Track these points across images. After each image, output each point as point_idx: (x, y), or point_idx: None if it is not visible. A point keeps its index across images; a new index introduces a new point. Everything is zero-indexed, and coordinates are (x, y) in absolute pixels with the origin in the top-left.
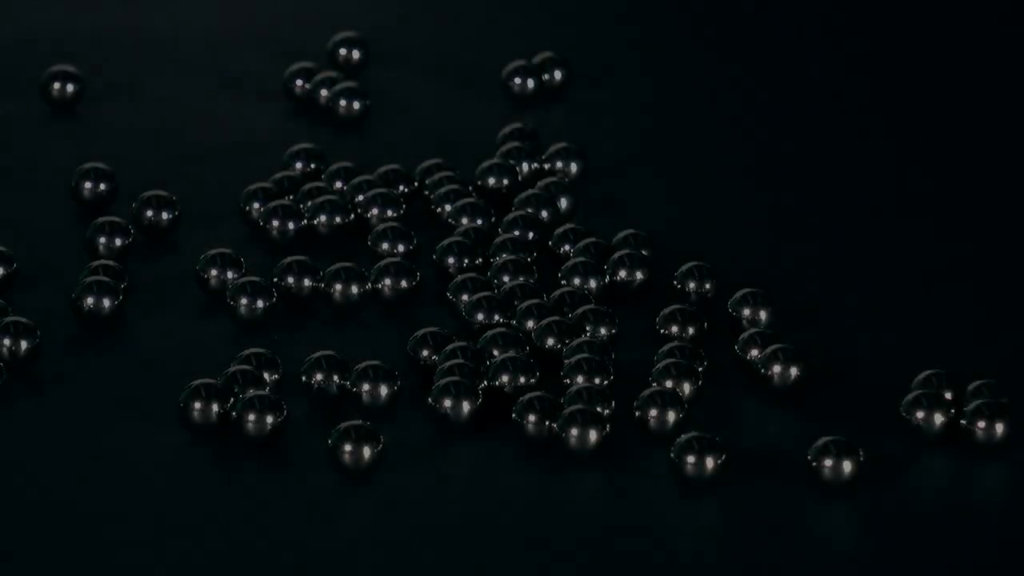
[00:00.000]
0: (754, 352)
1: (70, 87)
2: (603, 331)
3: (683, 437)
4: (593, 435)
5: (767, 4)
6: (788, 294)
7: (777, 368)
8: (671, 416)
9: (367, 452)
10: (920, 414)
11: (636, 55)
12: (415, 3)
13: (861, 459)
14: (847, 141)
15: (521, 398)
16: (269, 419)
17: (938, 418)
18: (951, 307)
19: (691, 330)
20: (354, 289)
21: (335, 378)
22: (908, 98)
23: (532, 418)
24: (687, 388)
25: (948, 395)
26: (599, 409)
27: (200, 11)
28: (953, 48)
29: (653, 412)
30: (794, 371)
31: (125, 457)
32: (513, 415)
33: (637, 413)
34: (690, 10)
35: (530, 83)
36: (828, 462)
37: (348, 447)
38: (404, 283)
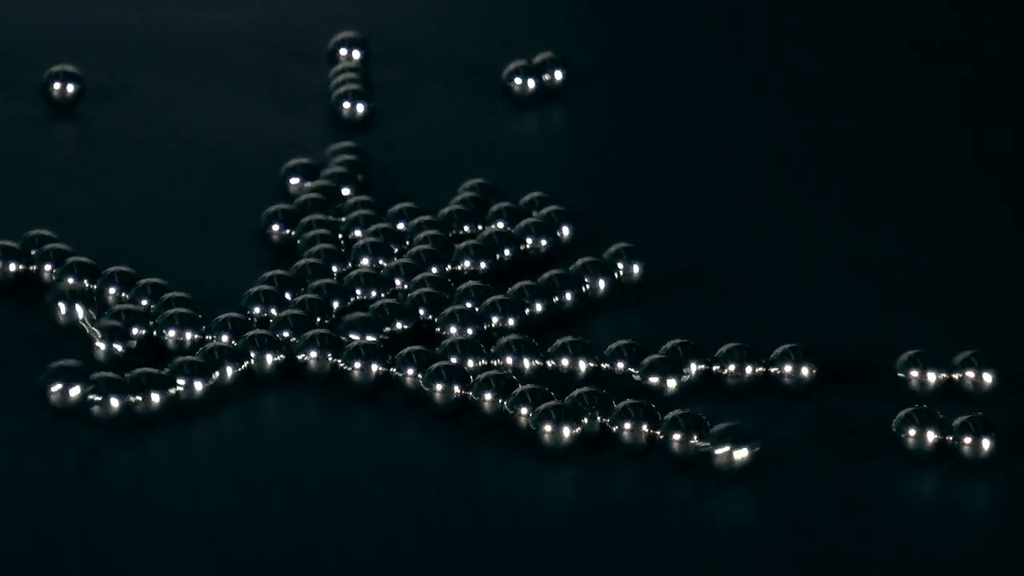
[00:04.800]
0: (732, 367)
1: (70, 87)
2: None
3: (718, 427)
4: (567, 432)
5: (767, 3)
6: (786, 294)
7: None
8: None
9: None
10: (912, 431)
11: (636, 55)
12: (415, 3)
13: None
14: (849, 140)
15: (514, 391)
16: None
17: (930, 435)
18: (953, 310)
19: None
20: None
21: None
22: (913, 100)
23: (523, 410)
24: (671, 384)
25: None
26: (579, 406)
27: (200, 11)
28: (959, 50)
29: (677, 436)
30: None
31: None
32: (505, 406)
33: (660, 436)
34: (690, 10)
35: (530, 83)
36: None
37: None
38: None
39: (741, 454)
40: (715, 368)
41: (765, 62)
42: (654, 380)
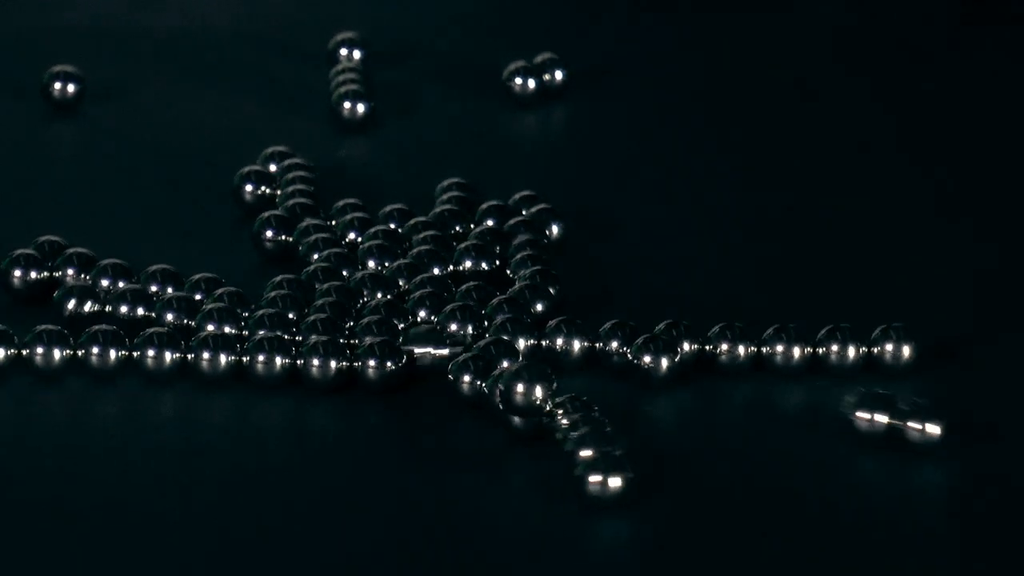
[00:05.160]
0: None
1: (70, 87)
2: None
3: (588, 454)
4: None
5: (766, 3)
6: (785, 293)
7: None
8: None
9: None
10: (865, 415)
11: (636, 55)
12: (415, 3)
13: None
14: (849, 145)
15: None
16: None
17: (881, 418)
18: (948, 324)
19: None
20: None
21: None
22: (917, 104)
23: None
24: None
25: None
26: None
27: (200, 11)
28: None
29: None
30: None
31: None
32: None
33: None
34: (689, 10)
35: (530, 83)
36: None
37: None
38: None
39: (615, 483)
40: (707, 348)
41: (764, 62)
42: (647, 359)
